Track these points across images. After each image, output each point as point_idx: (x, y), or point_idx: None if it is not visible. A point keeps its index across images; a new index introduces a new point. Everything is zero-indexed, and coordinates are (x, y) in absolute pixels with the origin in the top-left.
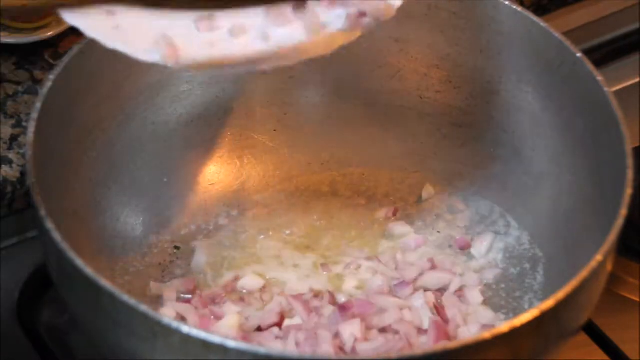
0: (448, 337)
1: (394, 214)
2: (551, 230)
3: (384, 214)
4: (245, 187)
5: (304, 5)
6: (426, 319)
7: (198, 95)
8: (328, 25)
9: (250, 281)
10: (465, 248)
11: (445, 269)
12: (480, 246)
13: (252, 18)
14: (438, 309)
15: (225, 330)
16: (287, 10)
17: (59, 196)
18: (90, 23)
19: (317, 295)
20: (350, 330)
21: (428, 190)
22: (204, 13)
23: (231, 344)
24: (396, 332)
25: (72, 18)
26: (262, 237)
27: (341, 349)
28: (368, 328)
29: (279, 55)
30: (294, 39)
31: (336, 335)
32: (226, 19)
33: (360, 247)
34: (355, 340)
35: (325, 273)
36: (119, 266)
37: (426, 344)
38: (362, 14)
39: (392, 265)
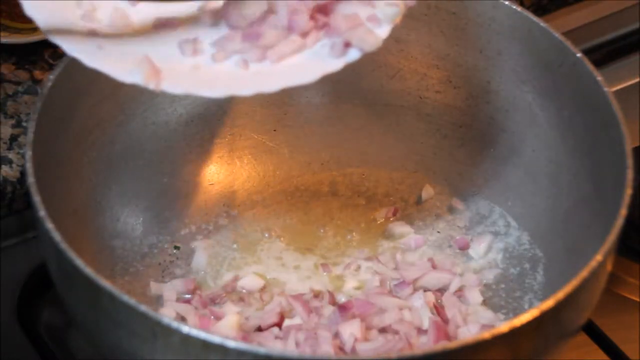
0: (448, 337)
1: (394, 214)
2: (551, 230)
3: (384, 214)
4: (246, 187)
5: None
6: (426, 319)
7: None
8: (312, 54)
9: (250, 281)
10: (464, 248)
11: (445, 269)
12: (479, 247)
13: (234, 44)
14: (438, 309)
15: (225, 330)
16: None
17: (59, 196)
18: (73, 42)
19: (317, 295)
20: (350, 330)
21: (428, 191)
22: (189, 36)
23: (231, 344)
24: (396, 332)
25: (55, 36)
26: (262, 237)
27: (341, 349)
28: (368, 328)
29: (258, 82)
30: (274, 67)
31: (336, 335)
32: (210, 42)
33: (360, 247)
34: (355, 340)
35: (325, 273)
36: (119, 266)
37: (426, 344)
38: (347, 44)
39: (392, 266)
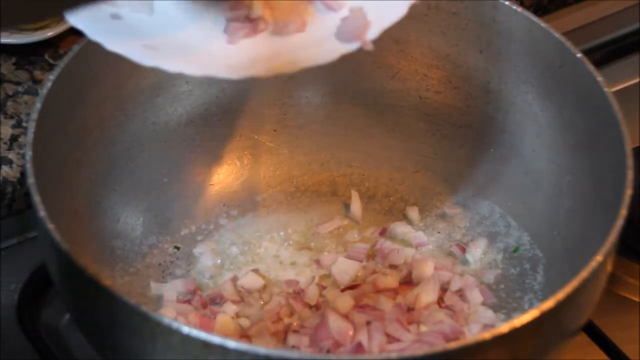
0: (448, 337)
1: (381, 234)
2: (551, 230)
3: (371, 233)
4: (245, 187)
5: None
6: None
7: (198, 95)
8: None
9: (249, 281)
10: (464, 249)
11: (446, 268)
12: (475, 251)
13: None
14: (447, 306)
15: (223, 330)
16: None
17: (59, 196)
18: (94, 26)
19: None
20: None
21: (413, 212)
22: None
23: (231, 344)
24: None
25: (76, 20)
26: (262, 237)
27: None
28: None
29: (277, 63)
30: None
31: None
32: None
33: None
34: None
35: (325, 272)
36: (119, 266)
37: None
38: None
39: (392, 265)
